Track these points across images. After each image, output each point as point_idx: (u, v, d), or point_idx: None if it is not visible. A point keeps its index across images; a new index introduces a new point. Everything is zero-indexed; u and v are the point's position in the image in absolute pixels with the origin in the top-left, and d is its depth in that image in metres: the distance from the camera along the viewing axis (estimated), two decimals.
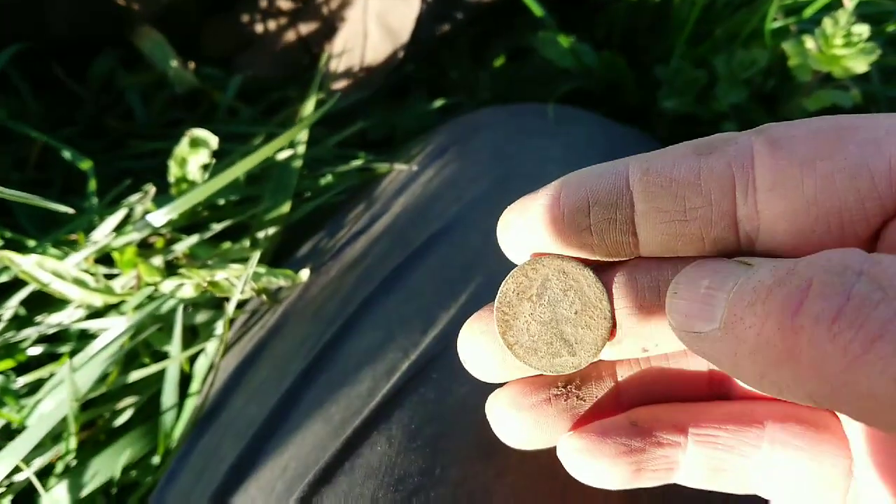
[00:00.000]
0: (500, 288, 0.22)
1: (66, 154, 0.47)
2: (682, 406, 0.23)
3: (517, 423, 0.23)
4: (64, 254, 0.41)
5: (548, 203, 0.21)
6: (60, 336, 0.45)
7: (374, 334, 0.35)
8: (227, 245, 0.41)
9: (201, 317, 0.41)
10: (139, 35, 0.55)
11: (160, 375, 0.43)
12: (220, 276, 0.36)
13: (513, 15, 0.64)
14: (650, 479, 0.23)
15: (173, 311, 0.39)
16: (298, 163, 0.46)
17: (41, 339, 0.44)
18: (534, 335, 0.22)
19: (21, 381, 0.43)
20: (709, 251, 0.21)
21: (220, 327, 0.39)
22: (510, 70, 0.64)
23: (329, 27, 0.56)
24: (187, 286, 0.36)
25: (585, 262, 0.22)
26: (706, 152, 0.20)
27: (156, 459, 0.44)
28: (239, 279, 0.36)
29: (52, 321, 0.42)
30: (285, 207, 0.45)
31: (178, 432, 0.41)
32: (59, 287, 0.36)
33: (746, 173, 0.20)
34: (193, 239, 0.42)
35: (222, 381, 0.39)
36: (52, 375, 0.42)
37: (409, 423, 0.30)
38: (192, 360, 0.42)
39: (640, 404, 0.24)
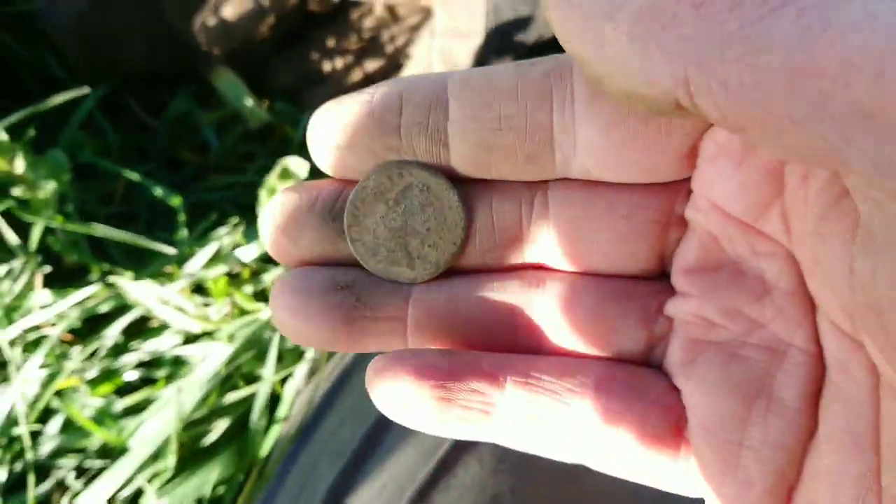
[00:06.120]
0: (359, 183, 0.21)
1: (157, 191, 0.50)
2: (497, 354, 0.21)
3: (289, 300, 0.20)
4: (161, 285, 0.44)
5: (361, 99, 0.20)
6: (153, 363, 0.48)
7: None
8: None
9: (290, 342, 0.43)
10: (215, 74, 0.58)
11: (249, 399, 0.45)
12: None
13: (558, 50, 0.67)
14: (462, 420, 0.20)
15: (268, 338, 0.41)
16: None
17: (137, 366, 0.47)
18: (378, 238, 0.21)
19: (120, 405, 0.46)
20: (522, 169, 0.20)
21: (310, 351, 0.41)
22: None
23: (394, 64, 0.59)
24: None
25: (454, 181, 0.21)
26: (528, 66, 0.20)
27: (240, 477, 0.46)
28: None
29: (148, 348, 0.45)
30: None
31: (264, 451, 0.44)
32: (162, 313, 0.39)
33: (565, 84, 0.19)
34: (280, 270, 0.45)
35: (315, 405, 0.42)
36: (147, 399, 0.45)
37: (496, 447, 0.33)
38: (282, 384, 0.45)
39: (432, 338, 0.21)
